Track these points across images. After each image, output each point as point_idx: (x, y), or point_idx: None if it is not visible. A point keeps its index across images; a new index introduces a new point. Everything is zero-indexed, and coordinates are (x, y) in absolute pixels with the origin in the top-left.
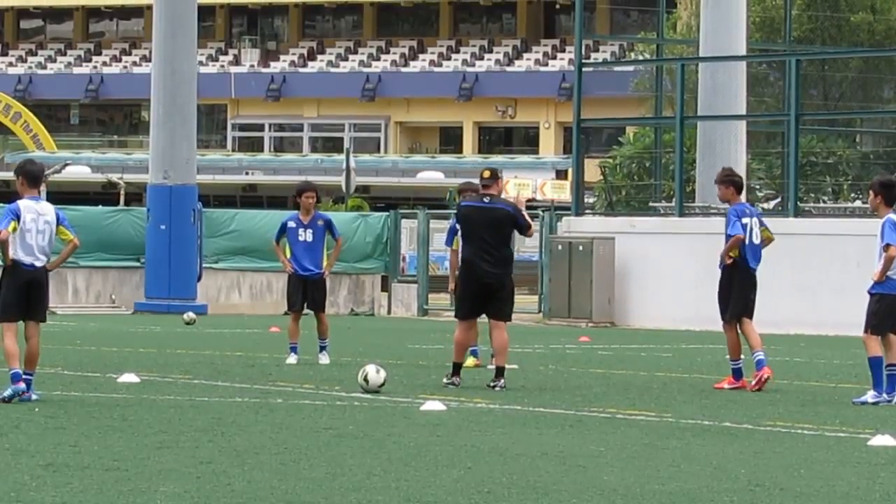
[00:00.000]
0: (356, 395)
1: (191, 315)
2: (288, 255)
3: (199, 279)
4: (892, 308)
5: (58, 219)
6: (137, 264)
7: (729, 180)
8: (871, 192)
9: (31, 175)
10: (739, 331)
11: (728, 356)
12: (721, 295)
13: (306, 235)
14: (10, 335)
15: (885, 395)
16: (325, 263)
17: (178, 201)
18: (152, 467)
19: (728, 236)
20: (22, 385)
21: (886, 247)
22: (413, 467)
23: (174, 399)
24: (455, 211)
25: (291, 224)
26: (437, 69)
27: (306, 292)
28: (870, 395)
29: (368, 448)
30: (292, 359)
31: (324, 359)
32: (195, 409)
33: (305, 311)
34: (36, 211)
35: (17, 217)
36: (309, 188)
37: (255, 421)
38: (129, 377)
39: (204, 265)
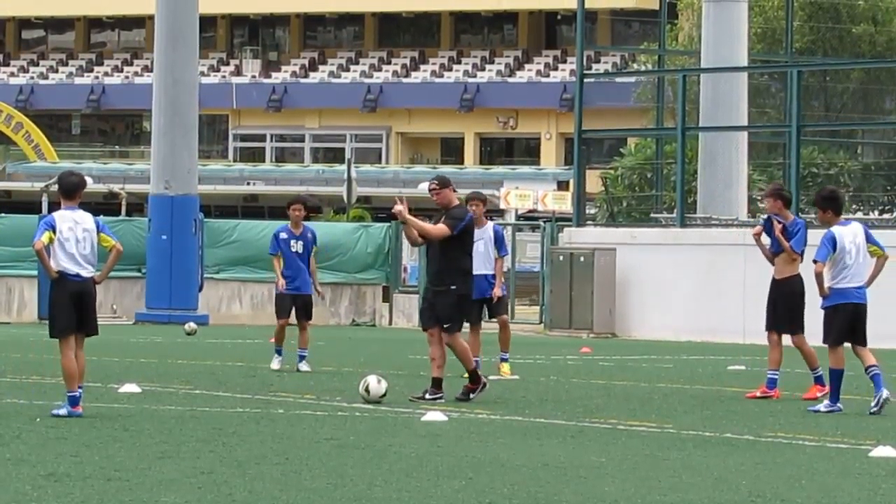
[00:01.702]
0: (357, 405)
1: (192, 325)
2: (282, 265)
3: (200, 289)
4: (845, 317)
5: (97, 226)
6: (138, 274)
7: (778, 194)
8: (818, 209)
9: (66, 186)
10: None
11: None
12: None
13: (297, 247)
14: (69, 352)
15: (838, 405)
16: (314, 280)
17: (179, 211)
18: (153, 477)
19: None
20: (80, 410)
21: (814, 261)
22: (414, 478)
23: (175, 409)
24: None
25: (283, 235)
26: (438, 80)
27: (295, 304)
28: (823, 405)
29: (370, 459)
30: (276, 363)
31: (304, 367)
32: (196, 419)
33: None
34: (73, 220)
35: (52, 228)
36: (297, 201)
37: (257, 431)
38: (131, 387)
39: (205, 275)
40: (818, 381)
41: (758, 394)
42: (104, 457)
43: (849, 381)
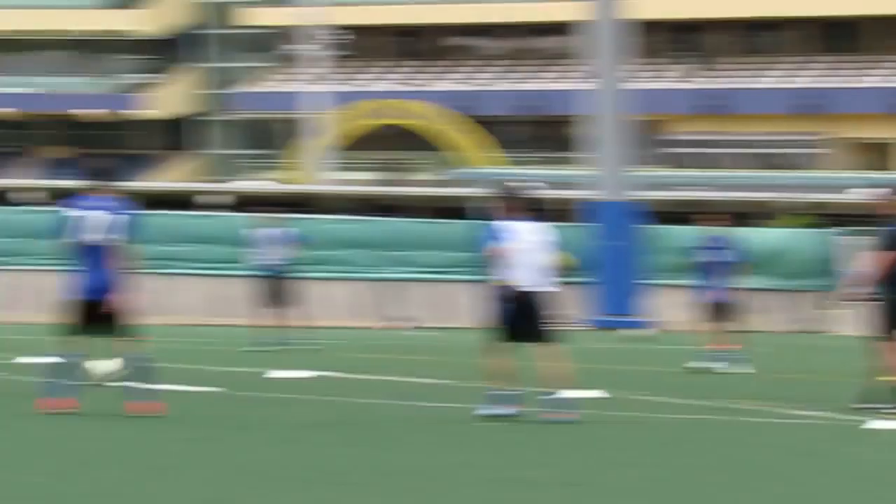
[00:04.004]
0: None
1: (642, 332)
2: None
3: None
4: None
5: (550, 240)
6: (577, 280)
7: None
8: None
9: (513, 198)
10: None
11: None
12: None
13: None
14: (504, 356)
15: None
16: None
17: (622, 218)
18: (609, 485)
19: None
20: (510, 410)
21: None
22: None
23: (637, 416)
24: None
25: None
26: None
27: None
28: None
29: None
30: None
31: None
32: (651, 427)
33: None
34: (526, 230)
35: (506, 237)
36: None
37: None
38: (596, 393)
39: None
40: None
41: None
42: (567, 462)
43: None
